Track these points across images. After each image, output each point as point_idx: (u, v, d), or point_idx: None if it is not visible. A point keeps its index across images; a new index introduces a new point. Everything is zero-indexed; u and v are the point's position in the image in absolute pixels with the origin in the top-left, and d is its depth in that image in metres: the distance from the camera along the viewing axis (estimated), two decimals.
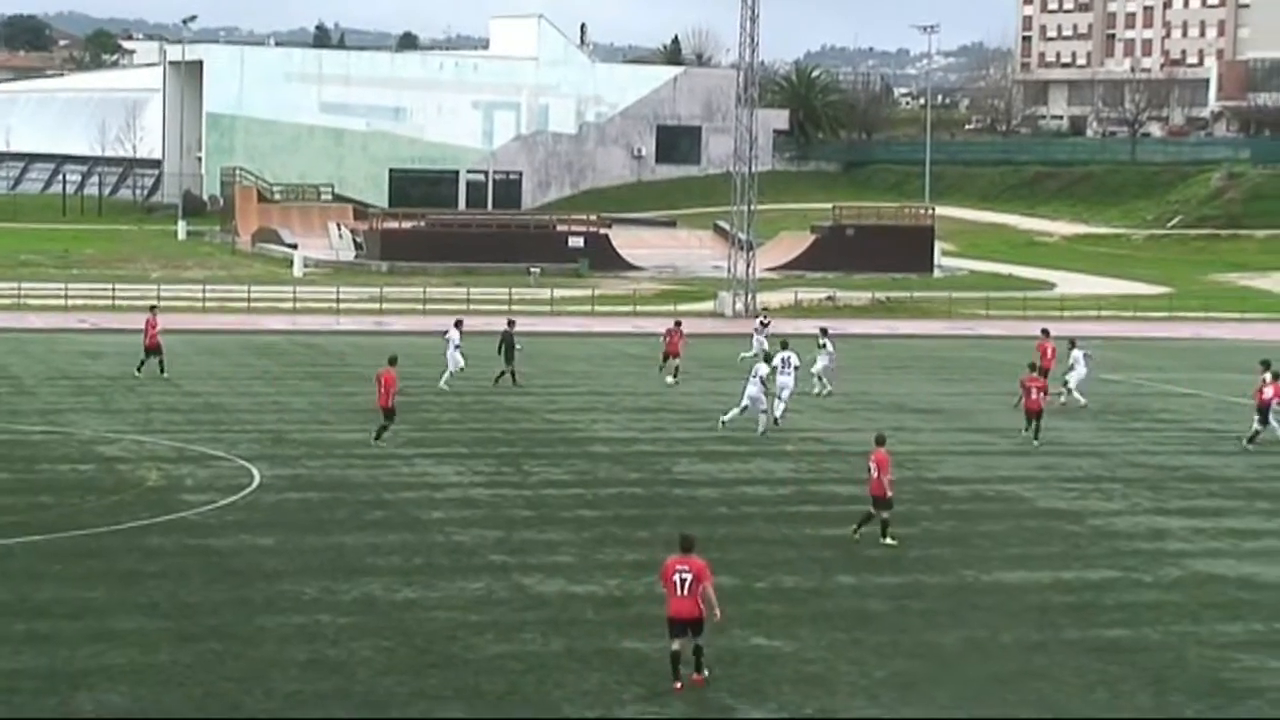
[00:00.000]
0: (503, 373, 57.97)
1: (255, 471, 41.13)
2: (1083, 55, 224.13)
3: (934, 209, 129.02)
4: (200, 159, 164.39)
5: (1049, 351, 57.63)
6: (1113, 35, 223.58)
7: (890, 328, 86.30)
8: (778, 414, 50.00)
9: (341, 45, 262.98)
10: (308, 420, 50.31)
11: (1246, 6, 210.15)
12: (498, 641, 26.99)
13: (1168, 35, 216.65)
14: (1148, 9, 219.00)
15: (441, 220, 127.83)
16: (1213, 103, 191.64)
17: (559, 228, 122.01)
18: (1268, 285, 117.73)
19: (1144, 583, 32.03)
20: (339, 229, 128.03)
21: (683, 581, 24.61)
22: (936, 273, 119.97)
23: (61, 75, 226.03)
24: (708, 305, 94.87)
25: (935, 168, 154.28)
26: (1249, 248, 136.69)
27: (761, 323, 67.67)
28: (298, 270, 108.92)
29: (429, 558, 32.59)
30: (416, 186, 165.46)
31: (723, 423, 49.05)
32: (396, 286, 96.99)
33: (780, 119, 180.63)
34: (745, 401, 48.58)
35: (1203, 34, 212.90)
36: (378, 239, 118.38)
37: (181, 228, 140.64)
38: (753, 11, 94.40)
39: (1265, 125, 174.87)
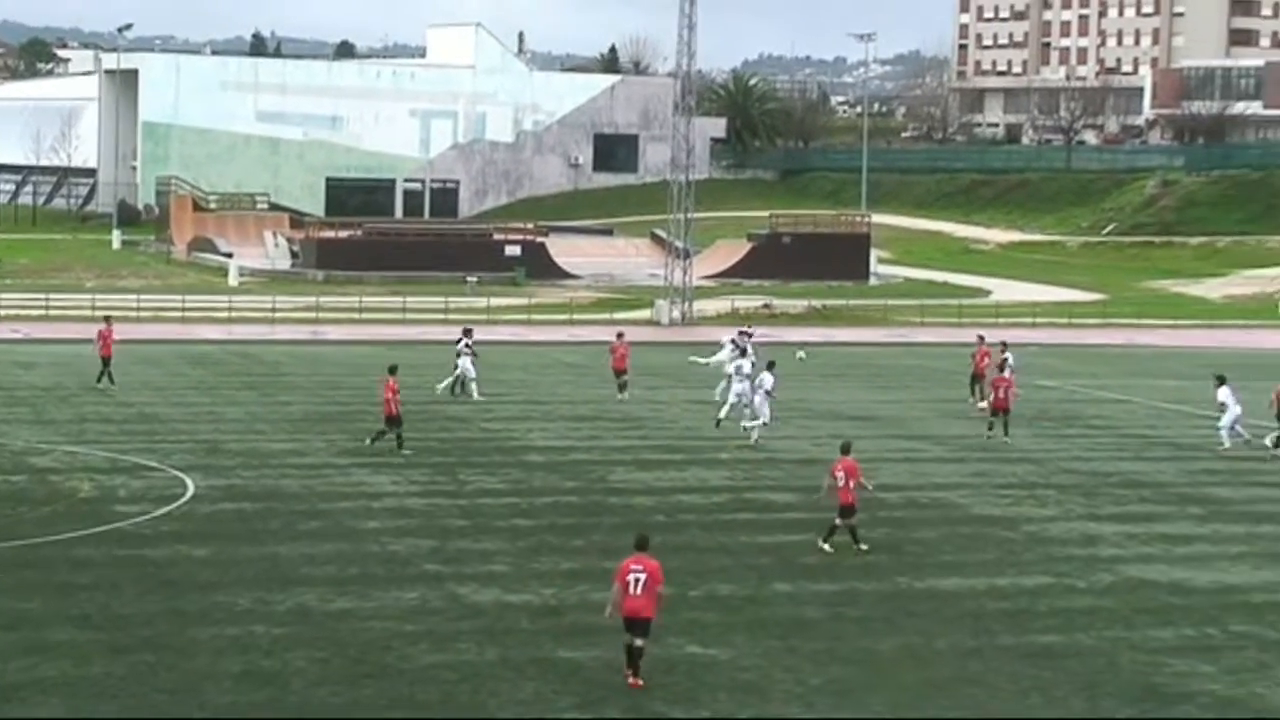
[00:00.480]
0: (455, 381, 58.10)
1: (189, 482, 40.92)
2: (1018, 64, 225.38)
3: (870, 217, 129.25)
4: (135, 168, 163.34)
5: (984, 357, 58.53)
6: (1048, 44, 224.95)
7: (826, 335, 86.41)
8: (720, 415, 51.07)
9: (278, 54, 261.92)
10: (243, 430, 50.09)
11: (1181, 15, 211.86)
12: (433, 651, 26.97)
13: (1103, 44, 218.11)
14: (1083, 18, 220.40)
15: (378, 229, 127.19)
16: (1147, 111, 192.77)
17: (496, 236, 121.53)
18: (1200, 292, 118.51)
19: (1077, 588, 32.24)
20: (275, 238, 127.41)
21: (637, 581, 25.18)
22: (872, 280, 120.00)
23: None
24: (645, 314, 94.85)
25: (872, 175, 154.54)
26: (1182, 255, 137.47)
27: (742, 332, 65.44)
28: (233, 279, 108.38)
29: (364, 567, 32.52)
30: (353, 195, 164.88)
31: (718, 421, 50.76)
32: (333, 296, 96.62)
33: (717, 127, 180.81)
34: (733, 398, 50.73)
35: (1137, 42, 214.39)
36: (314, 248, 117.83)
37: (116, 237, 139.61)
38: (690, 20, 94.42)
39: (1199, 133, 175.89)
